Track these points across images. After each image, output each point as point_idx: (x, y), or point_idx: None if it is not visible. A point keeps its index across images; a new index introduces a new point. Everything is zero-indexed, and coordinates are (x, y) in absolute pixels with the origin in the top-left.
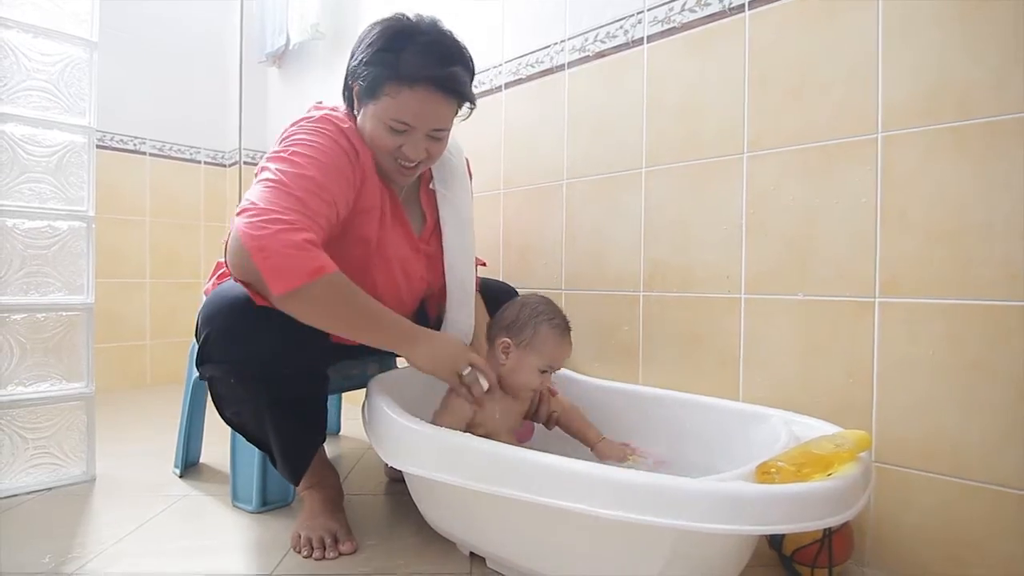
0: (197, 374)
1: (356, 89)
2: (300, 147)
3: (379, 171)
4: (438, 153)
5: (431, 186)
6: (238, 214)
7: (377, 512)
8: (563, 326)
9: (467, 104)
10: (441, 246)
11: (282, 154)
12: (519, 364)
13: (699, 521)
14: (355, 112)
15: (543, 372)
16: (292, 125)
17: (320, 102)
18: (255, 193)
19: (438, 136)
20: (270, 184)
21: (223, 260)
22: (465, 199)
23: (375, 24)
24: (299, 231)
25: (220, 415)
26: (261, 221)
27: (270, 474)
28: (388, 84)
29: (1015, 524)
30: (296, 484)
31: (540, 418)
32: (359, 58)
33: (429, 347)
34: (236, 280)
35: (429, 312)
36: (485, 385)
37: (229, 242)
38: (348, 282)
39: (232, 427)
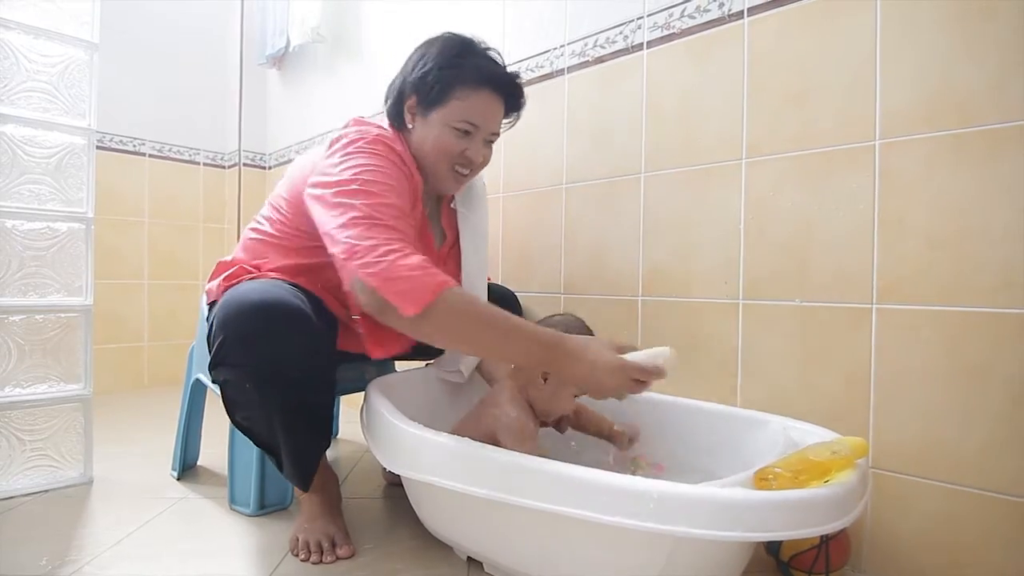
0: (196, 376)
1: (414, 100)
2: (371, 174)
3: (424, 186)
4: (488, 160)
5: (452, 205)
6: (346, 258)
7: (375, 516)
8: None
9: (515, 114)
10: (457, 264)
11: (354, 185)
12: (558, 389)
13: (697, 528)
14: (407, 126)
15: (576, 397)
16: (348, 144)
17: (361, 118)
18: (351, 232)
19: (492, 140)
20: (362, 220)
21: (225, 260)
22: (484, 221)
23: (431, 41)
24: (410, 255)
25: (230, 419)
26: (374, 257)
27: (268, 477)
28: (459, 87)
29: (1011, 531)
30: (306, 489)
31: (563, 426)
32: (422, 69)
33: (585, 358)
34: (375, 318)
35: None
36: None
37: (352, 289)
38: (471, 295)
39: (241, 431)
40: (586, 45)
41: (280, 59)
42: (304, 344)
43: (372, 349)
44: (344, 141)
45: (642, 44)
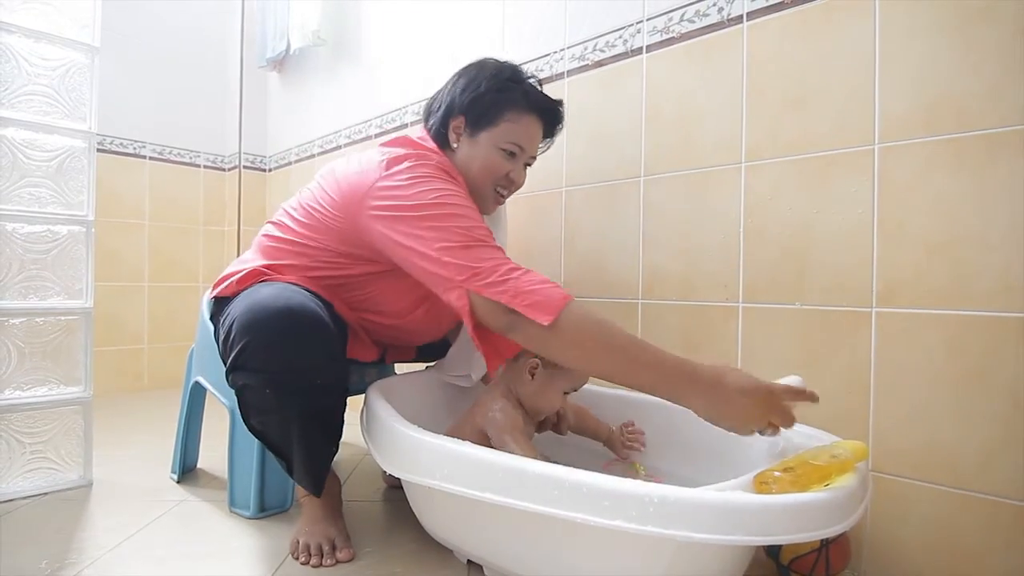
0: (195, 379)
1: (463, 120)
2: (452, 197)
3: None
4: (522, 184)
5: None
6: (464, 279)
7: (375, 519)
8: None
9: (551, 139)
10: None
11: (445, 209)
12: (546, 386)
13: (698, 532)
14: (452, 146)
15: (566, 394)
16: (416, 167)
17: (408, 137)
18: (464, 255)
19: (531, 163)
20: (472, 243)
21: (230, 272)
22: (503, 237)
23: (483, 65)
24: (529, 271)
25: (244, 422)
26: (498, 276)
27: (268, 479)
28: (511, 111)
29: (1012, 534)
30: (319, 495)
31: (562, 428)
32: (477, 91)
33: (724, 386)
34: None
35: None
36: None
37: (477, 312)
38: (596, 310)
39: (255, 435)
40: (586, 49)
41: (280, 62)
42: (324, 351)
43: (491, 362)
44: (408, 164)
45: (642, 48)
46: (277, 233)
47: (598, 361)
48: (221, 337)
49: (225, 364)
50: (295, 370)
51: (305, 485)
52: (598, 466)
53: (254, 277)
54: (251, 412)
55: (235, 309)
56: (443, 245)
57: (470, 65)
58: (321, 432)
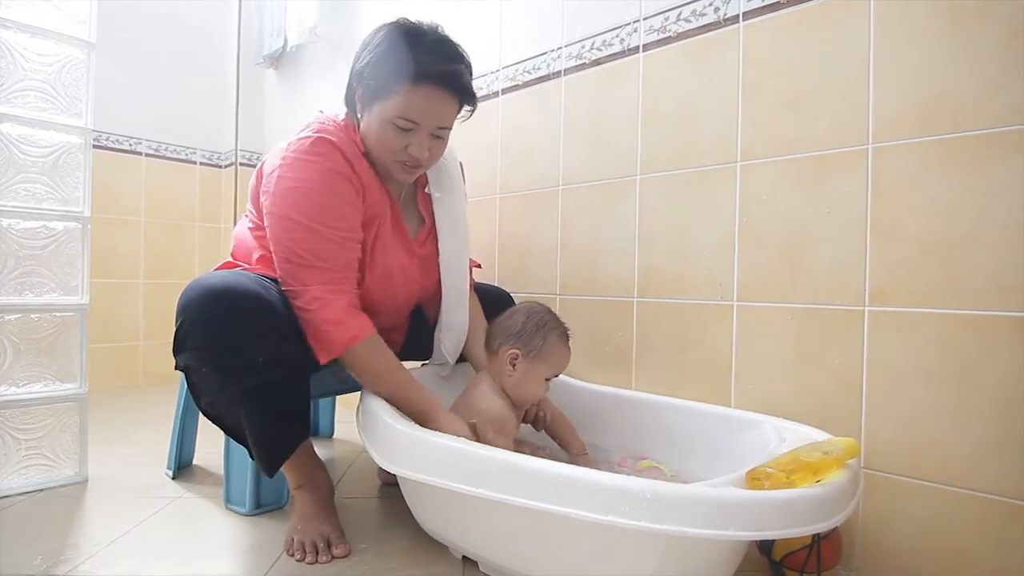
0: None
1: (360, 92)
2: (304, 199)
3: (379, 174)
4: (439, 153)
5: (427, 190)
6: (285, 290)
7: (370, 516)
8: (566, 334)
9: (467, 105)
10: (436, 249)
11: (290, 214)
12: (527, 375)
13: (690, 527)
14: (359, 116)
15: (547, 380)
16: (287, 157)
17: (321, 111)
18: (284, 269)
19: (440, 135)
20: (292, 260)
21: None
22: (460, 203)
23: (379, 28)
24: (330, 304)
25: (197, 405)
26: (303, 302)
27: (263, 477)
28: (396, 83)
29: (1003, 532)
30: (271, 475)
31: (538, 423)
32: (365, 60)
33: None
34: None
35: (428, 314)
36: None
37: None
38: (377, 351)
39: (209, 418)
40: (583, 48)
41: (277, 59)
42: (262, 327)
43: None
44: (286, 152)
45: (638, 47)
46: (247, 224)
47: (372, 389)
48: None
49: None
50: (231, 347)
51: (261, 466)
52: (612, 465)
53: (224, 268)
54: (199, 394)
55: (181, 294)
56: (278, 255)
57: (373, 29)
58: (268, 409)
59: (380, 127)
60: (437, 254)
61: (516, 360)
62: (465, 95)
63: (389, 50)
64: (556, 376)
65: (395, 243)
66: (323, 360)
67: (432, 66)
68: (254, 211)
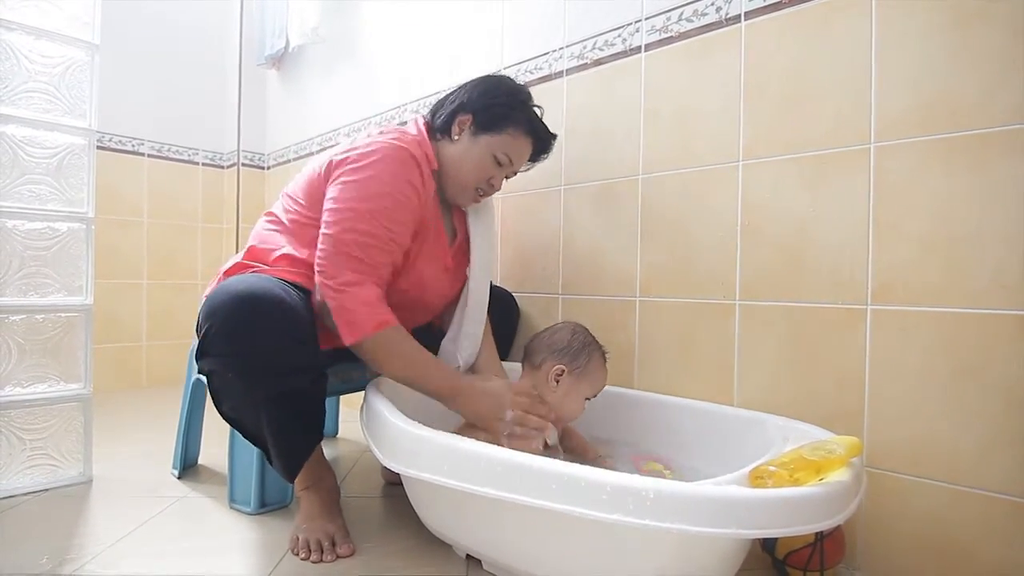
0: (196, 376)
1: (471, 119)
2: (377, 197)
3: (439, 190)
4: (498, 190)
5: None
6: (318, 272)
7: (374, 515)
8: (605, 356)
9: (535, 164)
10: (463, 262)
11: (360, 205)
12: (571, 392)
13: (694, 525)
14: (452, 137)
15: (587, 399)
16: (370, 153)
17: (404, 123)
18: (324, 248)
19: (510, 177)
20: (339, 247)
21: (228, 268)
22: (492, 219)
23: (503, 80)
24: (370, 288)
25: (217, 410)
26: (335, 283)
27: (268, 475)
28: (514, 127)
29: (1005, 529)
30: (291, 481)
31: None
32: (493, 99)
33: (470, 399)
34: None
35: (442, 323)
36: (550, 437)
37: (318, 299)
38: (405, 336)
39: (229, 423)
40: (585, 48)
41: (279, 60)
42: (288, 334)
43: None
44: (359, 152)
45: (640, 47)
46: (275, 217)
47: (392, 373)
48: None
49: None
50: (257, 353)
51: (280, 473)
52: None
53: (238, 270)
54: (221, 399)
55: (206, 298)
56: (330, 233)
57: (493, 76)
58: (293, 418)
59: (482, 154)
60: (463, 267)
61: (561, 376)
62: (539, 157)
63: (517, 100)
64: (594, 397)
65: (434, 255)
66: (348, 342)
67: (541, 125)
68: (303, 200)
